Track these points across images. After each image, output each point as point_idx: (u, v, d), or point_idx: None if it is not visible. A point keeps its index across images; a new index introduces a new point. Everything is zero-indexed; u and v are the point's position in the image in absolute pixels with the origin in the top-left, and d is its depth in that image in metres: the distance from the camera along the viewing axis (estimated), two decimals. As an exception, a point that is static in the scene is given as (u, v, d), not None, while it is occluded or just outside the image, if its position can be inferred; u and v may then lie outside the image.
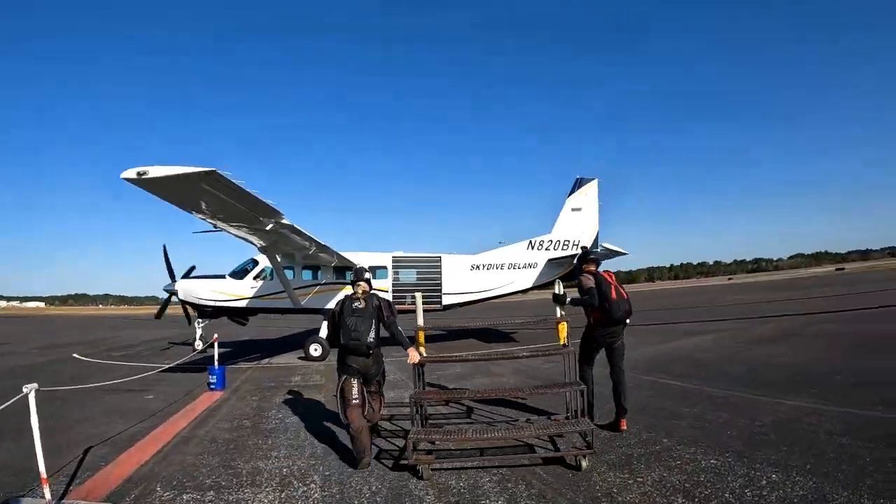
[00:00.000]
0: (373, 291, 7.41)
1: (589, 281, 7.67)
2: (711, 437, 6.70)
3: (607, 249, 22.01)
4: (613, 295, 7.49)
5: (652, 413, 8.22)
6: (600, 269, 8.21)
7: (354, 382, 6.83)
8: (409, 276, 21.06)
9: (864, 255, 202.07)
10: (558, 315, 7.75)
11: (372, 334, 6.83)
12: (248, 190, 11.31)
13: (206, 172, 9.83)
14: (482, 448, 6.84)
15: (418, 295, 8.56)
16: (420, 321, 7.90)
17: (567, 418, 7.37)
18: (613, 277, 7.73)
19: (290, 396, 11.23)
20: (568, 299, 7.82)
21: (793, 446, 6.06)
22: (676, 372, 11.60)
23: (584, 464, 5.94)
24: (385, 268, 20.79)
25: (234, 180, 10.58)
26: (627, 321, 7.72)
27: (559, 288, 8.23)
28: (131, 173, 9.52)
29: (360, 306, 6.96)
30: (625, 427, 7.34)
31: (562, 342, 7.50)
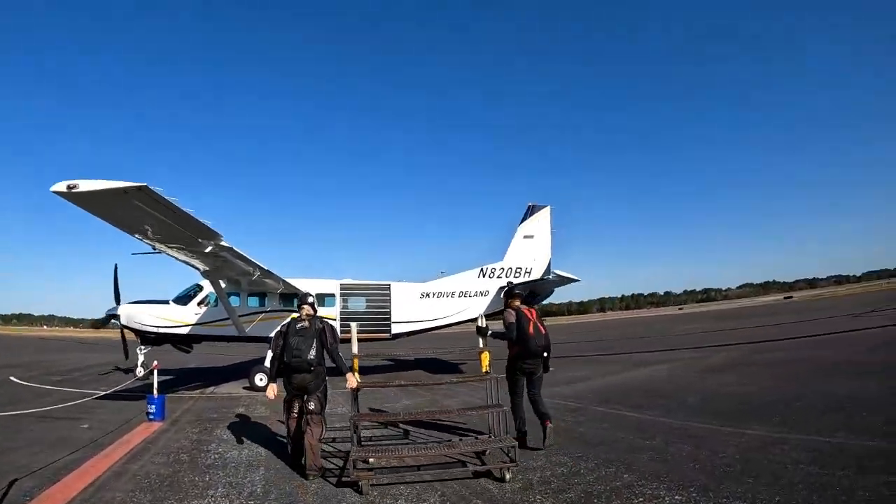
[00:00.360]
0: (318, 315, 8.10)
1: (511, 316, 8.54)
2: (674, 471, 6.50)
3: (559, 276, 22.09)
4: (531, 330, 8.30)
5: (609, 446, 8.03)
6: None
7: (296, 403, 7.70)
8: (357, 303, 20.75)
9: (811, 283, 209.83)
10: (481, 346, 8.71)
11: (313, 353, 7.49)
12: (182, 208, 11.04)
13: (136, 187, 9.62)
14: (419, 465, 7.53)
15: (353, 325, 8.78)
16: (354, 349, 8.19)
17: (490, 437, 8.01)
18: (534, 314, 8.56)
19: (232, 429, 10.77)
20: (489, 332, 8.85)
21: (759, 478, 5.92)
22: (632, 403, 11.50)
23: (508, 476, 6.68)
24: (333, 295, 20.47)
25: (167, 197, 10.33)
26: (545, 354, 8.44)
27: (482, 321, 9.01)
28: (61, 186, 9.30)
29: (304, 326, 7.69)
30: (550, 425, 8.02)
31: (484, 370, 8.33)
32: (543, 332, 8.42)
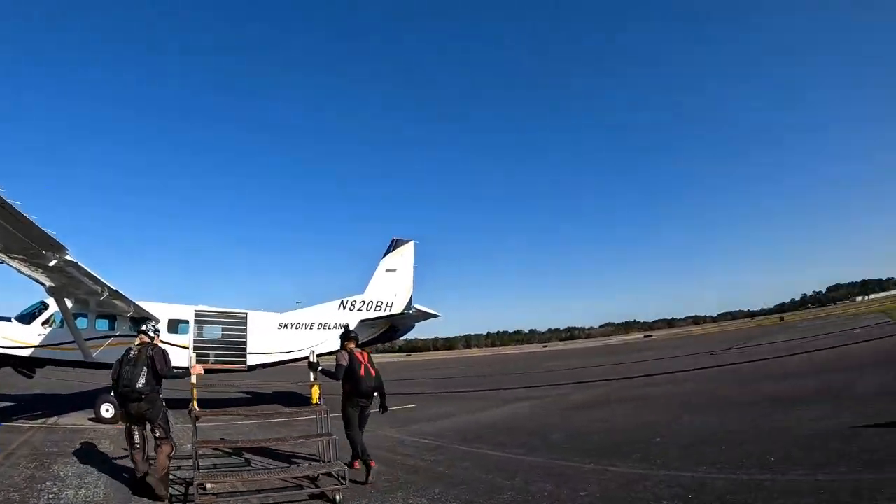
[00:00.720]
0: (150, 343, 8.23)
1: (342, 359, 9.30)
2: (535, 512, 6.36)
3: (420, 311, 22.11)
4: (362, 372, 9.15)
5: (470, 486, 7.85)
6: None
7: (135, 430, 7.73)
8: (213, 332, 19.74)
9: (670, 323, 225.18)
10: (311, 379, 9.63)
11: (142, 381, 7.60)
12: (24, 214, 10.21)
13: None
14: (261, 489, 7.97)
15: (193, 355, 8.70)
16: (193, 378, 8.45)
17: (321, 463, 8.83)
18: (366, 356, 9.51)
19: (72, 465, 9.78)
20: (319, 368, 9.63)
21: (622, 517, 5.88)
22: (495, 441, 11.44)
23: (339, 497, 7.41)
24: (187, 322, 19.36)
25: (7, 200, 9.54)
26: (375, 394, 9.40)
27: (313, 357, 9.99)
28: None
29: (135, 355, 7.86)
30: (374, 465, 8.64)
31: (314, 401, 9.32)
32: (374, 374, 9.33)
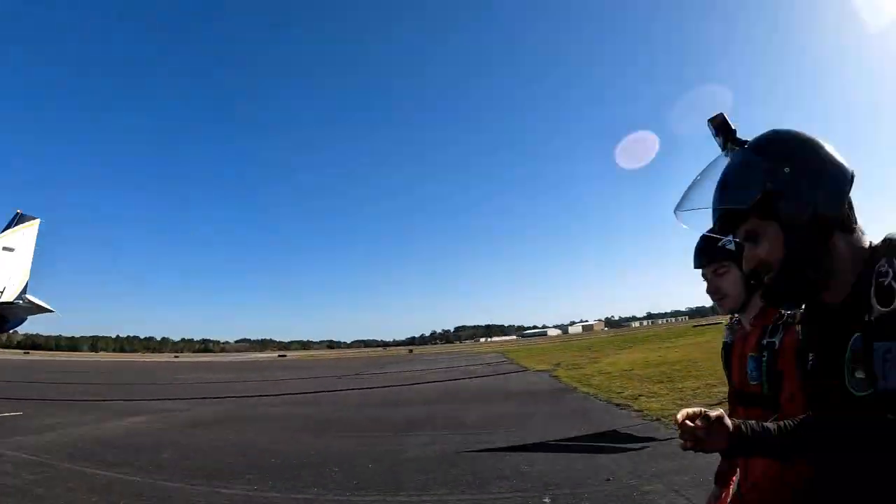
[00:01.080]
0: None
1: None
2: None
3: (33, 304, 19.80)
4: None
5: (70, 512, 7.38)
6: None
7: None
8: None
9: (306, 345, 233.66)
10: None
11: None
12: None
13: None
14: None
15: None
16: None
17: None
18: None
19: None
20: None
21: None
22: (106, 458, 10.73)
23: None
24: None
25: None
26: None
27: None
28: None
29: None
30: None
31: None
32: None
